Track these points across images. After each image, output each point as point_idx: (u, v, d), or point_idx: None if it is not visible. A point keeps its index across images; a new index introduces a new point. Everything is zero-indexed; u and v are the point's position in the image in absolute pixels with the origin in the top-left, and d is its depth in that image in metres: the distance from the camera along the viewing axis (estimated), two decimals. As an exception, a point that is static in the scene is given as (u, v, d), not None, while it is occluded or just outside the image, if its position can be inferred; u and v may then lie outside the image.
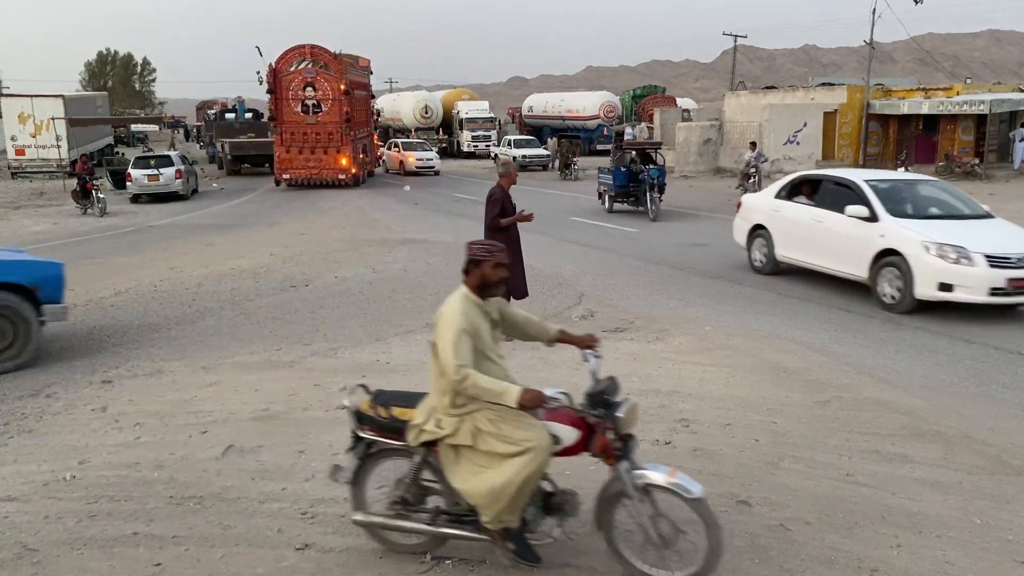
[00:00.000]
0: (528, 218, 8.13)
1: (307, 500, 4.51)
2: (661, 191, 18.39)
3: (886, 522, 4.26)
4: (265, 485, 4.72)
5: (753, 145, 23.80)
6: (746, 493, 4.57)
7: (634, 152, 19.73)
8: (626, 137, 39.02)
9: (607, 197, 19.94)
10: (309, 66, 26.87)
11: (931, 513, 4.37)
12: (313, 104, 26.85)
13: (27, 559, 3.95)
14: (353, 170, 27.64)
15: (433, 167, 33.90)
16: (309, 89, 26.80)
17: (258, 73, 28.03)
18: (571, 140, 39.95)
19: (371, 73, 34.05)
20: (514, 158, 33.77)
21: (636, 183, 18.77)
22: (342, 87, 26.98)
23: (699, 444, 5.29)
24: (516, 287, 7.96)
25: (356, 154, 28.25)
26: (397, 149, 35.68)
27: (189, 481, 4.79)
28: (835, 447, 5.26)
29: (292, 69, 26.97)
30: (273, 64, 26.98)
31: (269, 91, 26.83)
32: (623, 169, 19.17)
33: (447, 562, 3.85)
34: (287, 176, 27.28)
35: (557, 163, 34.97)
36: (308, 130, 26.91)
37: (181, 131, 68.11)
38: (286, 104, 26.82)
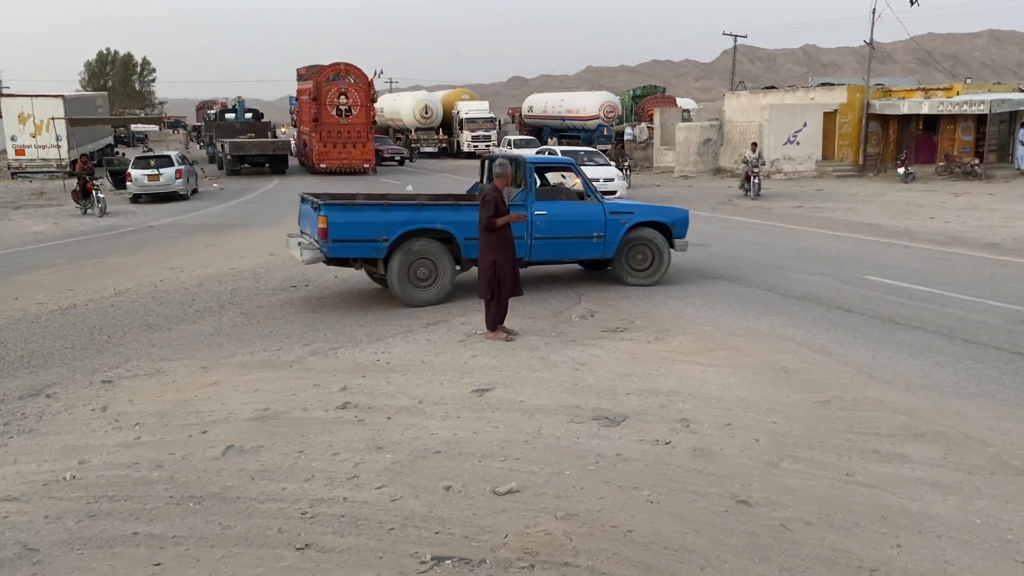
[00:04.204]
0: (521, 218, 8.41)
1: (307, 500, 4.51)
2: None
3: (886, 522, 4.27)
4: (265, 485, 4.72)
5: (754, 146, 23.78)
6: (746, 493, 4.57)
7: None
8: (626, 137, 38.99)
9: None
10: (343, 79, 33.87)
11: (931, 513, 4.37)
12: (345, 109, 33.66)
13: (27, 559, 3.95)
14: (372, 161, 35.06)
15: (615, 192, 21.88)
16: (342, 97, 33.65)
17: None
18: (620, 144, 38.84)
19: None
20: (514, 158, 33.71)
21: None
22: (371, 96, 34.52)
23: (699, 444, 5.29)
24: (512, 285, 8.00)
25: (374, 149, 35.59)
26: None
27: (189, 481, 4.79)
28: (835, 447, 5.26)
29: (330, 80, 33.68)
30: (316, 77, 33.77)
31: (313, 98, 33.36)
32: None
33: (447, 562, 3.85)
34: (324, 165, 33.50)
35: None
36: (341, 129, 33.64)
37: (181, 131, 68.12)
38: (324, 109, 33.37)
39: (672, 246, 10.69)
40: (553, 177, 13.36)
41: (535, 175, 10.20)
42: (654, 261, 10.61)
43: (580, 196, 10.54)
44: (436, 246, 9.53)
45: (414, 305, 9.42)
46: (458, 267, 9.86)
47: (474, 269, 9.89)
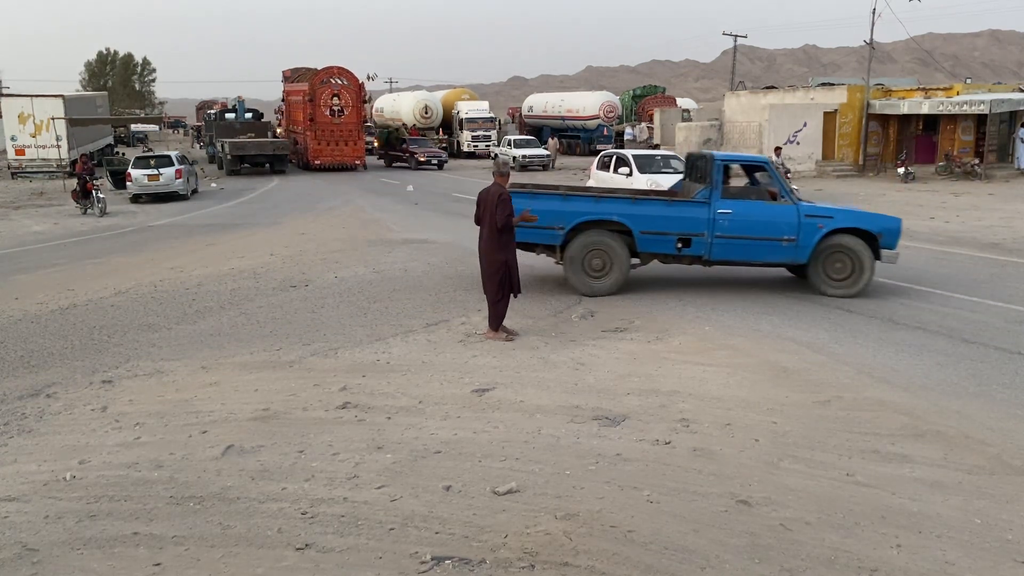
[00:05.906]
0: (532, 218, 8.52)
1: (307, 500, 4.51)
2: None
3: (886, 522, 4.27)
4: (265, 485, 4.72)
5: (778, 151, 23.11)
6: (746, 493, 4.57)
7: None
8: (626, 137, 39.03)
9: None
10: (336, 81, 36.18)
11: (931, 513, 4.37)
12: (338, 110, 35.93)
13: (27, 559, 3.95)
14: (363, 158, 37.61)
15: None
16: (335, 99, 35.98)
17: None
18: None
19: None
20: (514, 158, 33.81)
21: None
22: (362, 97, 37.06)
23: (699, 444, 5.29)
24: (515, 284, 8.04)
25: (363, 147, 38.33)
26: None
27: (189, 481, 4.79)
28: (835, 447, 5.26)
29: (324, 83, 35.94)
30: (312, 80, 36.41)
31: (310, 99, 35.69)
32: None
33: (447, 562, 3.85)
34: (318, 162, 35.85)
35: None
36: (334, 128, 36.02)
37: (181, 131, 68.12)
38: (319, 109, 35.71)
39: (877, 257, 9.79)
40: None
41: (722, 173, 9.93)
42: (854, 271, 9.74)
43: (773, 196, 10.05)
44: (612, 237, 9.76)
45: (588, 295, 9.74)
46: (635, 260, 10.06)
47: (655, 263, 10.39)
